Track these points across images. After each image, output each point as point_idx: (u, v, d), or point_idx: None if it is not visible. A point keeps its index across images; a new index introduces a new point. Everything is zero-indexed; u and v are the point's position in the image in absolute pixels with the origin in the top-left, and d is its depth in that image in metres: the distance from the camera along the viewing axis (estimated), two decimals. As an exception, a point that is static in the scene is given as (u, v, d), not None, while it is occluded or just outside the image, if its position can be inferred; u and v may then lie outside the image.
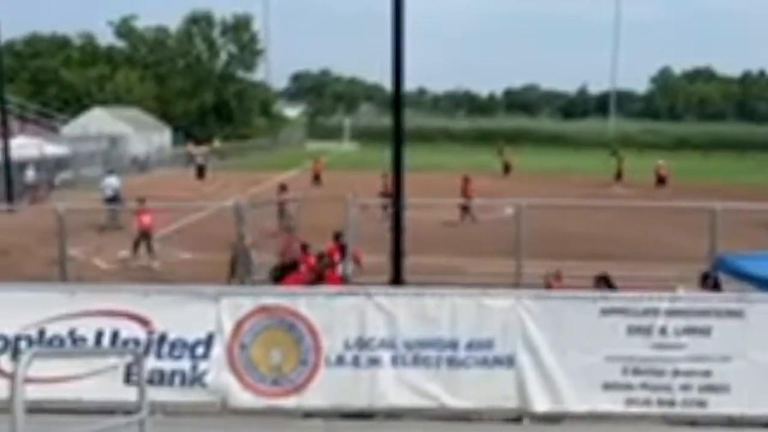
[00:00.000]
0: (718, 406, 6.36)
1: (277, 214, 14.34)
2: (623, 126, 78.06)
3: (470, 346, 6.40)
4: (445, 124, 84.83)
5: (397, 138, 8.51)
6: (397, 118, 8.42)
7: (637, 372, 6.39)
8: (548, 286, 8.02)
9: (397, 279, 8.52)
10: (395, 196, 8.78)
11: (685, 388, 6.38)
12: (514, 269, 9.36)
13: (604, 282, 8.19)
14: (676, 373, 6.37)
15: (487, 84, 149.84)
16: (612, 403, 6.41)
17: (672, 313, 6.39)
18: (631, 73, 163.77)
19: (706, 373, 6.36)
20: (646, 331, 6.38)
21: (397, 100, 8.39)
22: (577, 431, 6.38)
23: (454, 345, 6.40)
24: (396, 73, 8.11)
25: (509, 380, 6.44)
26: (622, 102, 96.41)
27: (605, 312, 6.39)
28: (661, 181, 31.16)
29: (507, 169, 36.78)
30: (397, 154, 8.57)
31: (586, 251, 13.94)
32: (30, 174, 26.96)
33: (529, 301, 6.44)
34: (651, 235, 15.99)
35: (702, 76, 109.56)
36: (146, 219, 14.14)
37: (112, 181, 21.36)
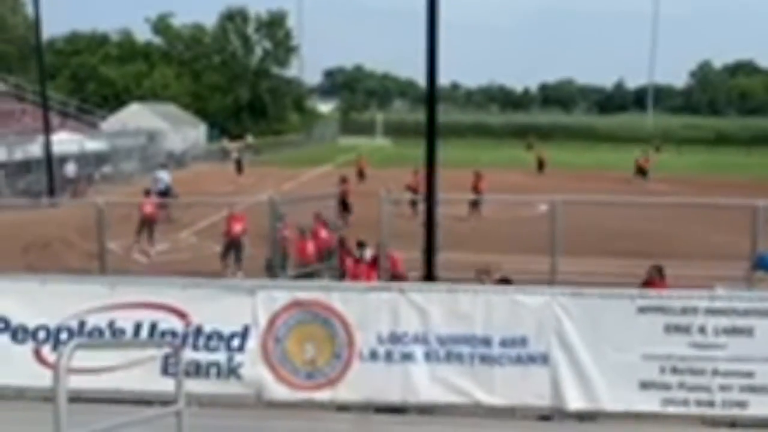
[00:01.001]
0: (760, 407, 6.21)
1: (337, 207, 14.83)
2: (662, 121, 76.61)
3: (504, 343, 6.36)
4: (479, 119, 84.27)
5: (431, 133, 8.49)
6: (431, 114, 8.40)
7: (675, 371, 6.28)
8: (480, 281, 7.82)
9: (429, 275, 8.52)
10: (428, 191, 8.76)
11: (725, 388, 6.24)
12: (549, 266, 9.29)
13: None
14: (716, 373, 6.24)
15: (522, 78, 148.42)
16: (648, 403, 6.31)
17: (712, 312, 6.26)
18: (669, 67, 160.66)
19: (748, 374, 6.21)
20: (684, 329, 6.26)
21: (431, 95, 8.36)
22: (612, 430, 6.29)
23: (487, 342, 6.37)
24: (430, 68, 8.09)
25: (543, 378, 6.38)
26: (661, 97, 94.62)
27: (642, 310, 6.29)
28: (641, 171, 31.98)
29: (541, 165, 36.29)
30: (430, 149, 8.54)
31: (623, 248, 13.75)
32: (70, 168, 27.64)
33: (564, 298, 6.37)
34: (690, 233, 15.68)
35: (743, 69, 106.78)
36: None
37: (164, 176, 21.87)
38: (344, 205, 17.30)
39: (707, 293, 6.46)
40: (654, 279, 8.00)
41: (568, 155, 44.26)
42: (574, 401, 6.36)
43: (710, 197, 21.26)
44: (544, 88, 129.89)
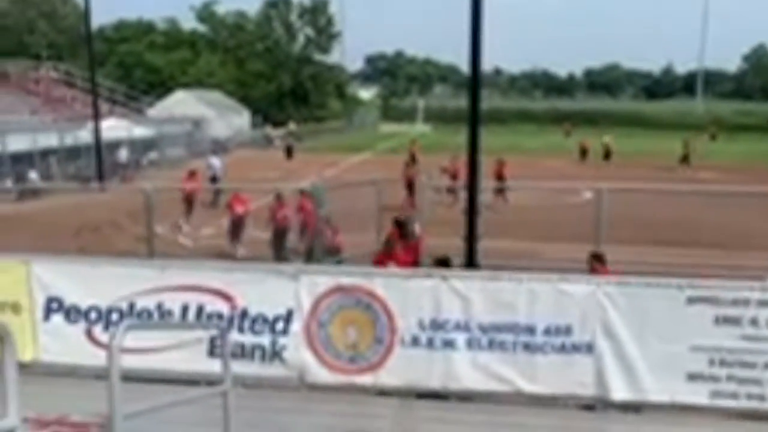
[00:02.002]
0: (814, 402, 6.03)
1: (406, 190, 15.12)
2: (713, 107, 74.31)
3: (548, 331, 6.31)
4: (522, 105, 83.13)
5: (474, 120, 8.42)
6: (474, 100, 8.33)
7: (724, 364, 6.13)
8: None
9: (471, 262, 8.49)
10: (470, 178, 8.71)
11: (777, 382, 6.07)
12: (594, 255, 9.14)
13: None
14: (768, 366, 6.07)
15: (567, 64, 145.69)
16: (696, 395, 6.18)
17: (764, 303, 6.08)
18: (721, 51, 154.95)
19: (803, 368, 6.03)
20: (735, 321, 6.10)
21: (474, 81, 8.28)
22: (658, 422, 6.19)
23: (530, 330, 6.32)
24: (473, 52, 8.01)
25: (587, 367, 6.30)
26: (711, 82, 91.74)
27: (691, 300, 6.14)
28: (684, 159, 31.68)
29: (584, 152, 35.42)
30: (473, 136, 8.48)
31: (670, 238, 13.46)
32: (123, 153, 28.43)
33: (610, 287, 6.27)
34: (740, 222, 15.23)
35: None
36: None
37: (215, 162, 22.43)
38: (410, 189, 17.23)
39: (759, 284, 6.28)
40: (596, 267, 7.84)
41: (616, 142, 43.33)
42: (619, 391, 6.28)
43: (762, 186, 20.61)
44: (589, 73, 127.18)
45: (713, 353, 6.14)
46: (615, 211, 9.28)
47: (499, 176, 20.36)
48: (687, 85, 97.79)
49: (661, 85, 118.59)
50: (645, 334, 6.21)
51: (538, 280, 6.40)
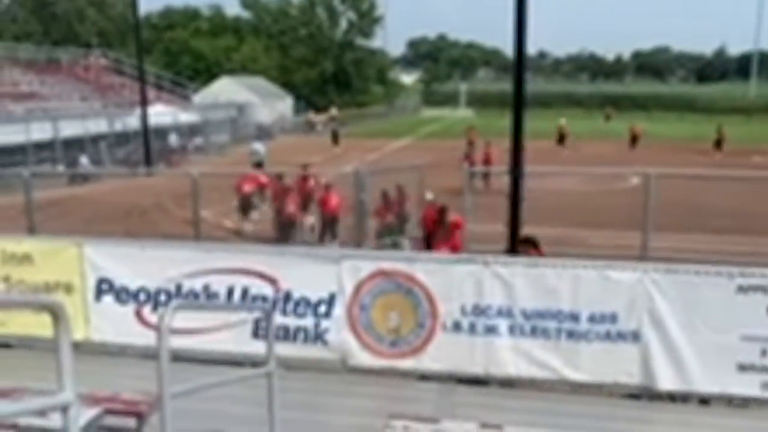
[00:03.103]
0: None
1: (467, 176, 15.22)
2: (767, 90, 71.54)
3: (592, 319, 6.21)
4: (567, 89, 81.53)
5: (518, 103, 8.28)
6: (518, 83, 8.18)
7: (777, 354, 5.95)
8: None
9: (513, 248, 8.40)
10: (514, 163, 8.59)
11: (833, 374, 5.86)
12: (639, 242, 8.96)
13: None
14: (823, 358, 5.86)
15: (614, 46, 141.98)
16: (747, 386, 6.02)
17: (821, 293, 5.86)
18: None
19: None
20: (789, 311, 5.90)
21: (518, 64, 8.13)
22: (706, 413, 6.05)
23: (575, 317, 6.24)
24: (518, 36, 7.85)
25: (633, 356, 6.20)
26: (767, 63, 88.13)
27: (743, 289, 5.96)
28: (634, 140, 31.67)
29: (634, 139, 34.17)
30: (517, 120, 8.34)
31: (719, 225, 13.06)
32: (173, 138, 29.04)
33: (657, 275, 6.13)
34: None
35: None
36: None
37: (260, 148, 22.76)
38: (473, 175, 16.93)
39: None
40: (530, 251, 7.64)
41: (665, 127, 42.23)
42: (666, 381, 6.16)
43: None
44: (637, 56, 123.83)
45: (766, 343, 5.96)
46: (663, 197, 9.05)
47: (486, 161, 20.23)
48: (741, 67, 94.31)
49: (713, 68, 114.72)
50: (694, 323, 6.07)
51: (583, 267, 6.29)
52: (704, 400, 6.17)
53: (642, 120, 39.86)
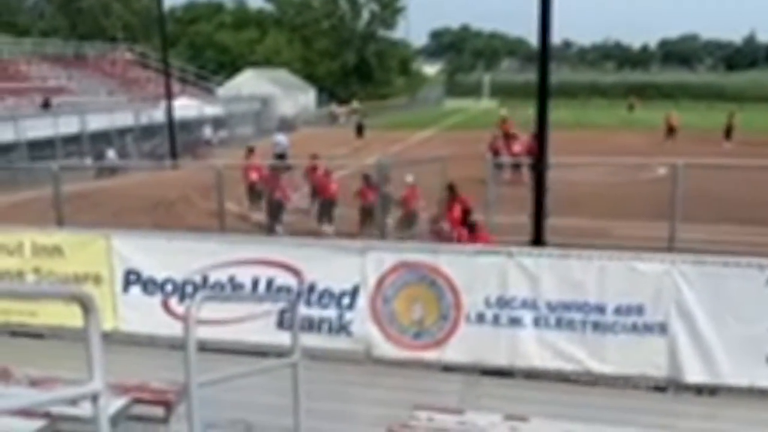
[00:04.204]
0: None
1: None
2: (798, 77, 69.90)
3: (619, 311, 6.15)
4: (593, 79, 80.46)
5: (542, 94, 8.22)
6: (542, 73, 8.12)
7: (808, 347, 5.84)
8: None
9: (538, 240, 8.34)
10: (539, 154, 8.53)
11: None
12: (666, 233, 8.84)
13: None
14: None
15: (640, 35, 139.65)
16: (776, 379, 5.92)
17: None
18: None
19: None
20: (820, 303, 5.79)
21: (543, 53, 8.07)
22: (735, 406, 5.96)
23: (601, 309, 6.18)
24: (542, 24, 7.79)
25: (660, 348, 6.13)
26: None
27: (773, 281, 5.86)
28: (671, 130, 30.49)
29: (671, 129, 31.60)
30: (541, 110, 8.29)
31: (747, 216, 12.81)
32: (207, 131, 29.39)
33: (685, 266, 6.04)
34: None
35: None
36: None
37: (282, 139, 22.85)
38: (516, 166, 16.78)
39: None
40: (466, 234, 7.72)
41: (693, 116, 41.48)
42: (693, 374, 6.08)
43: None
44: (664, 44, 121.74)
45: (797, 336, 5.85)
46: (688, 187, 8.91)
47: (529, 151, 19.71)
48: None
49: (743, 55, 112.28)
50: (722, 315, 5.98)
51: (609, 258, 6.23)
52: (732, 393, 6.08)
53: (669, 110, 39.10)
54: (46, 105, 27.33)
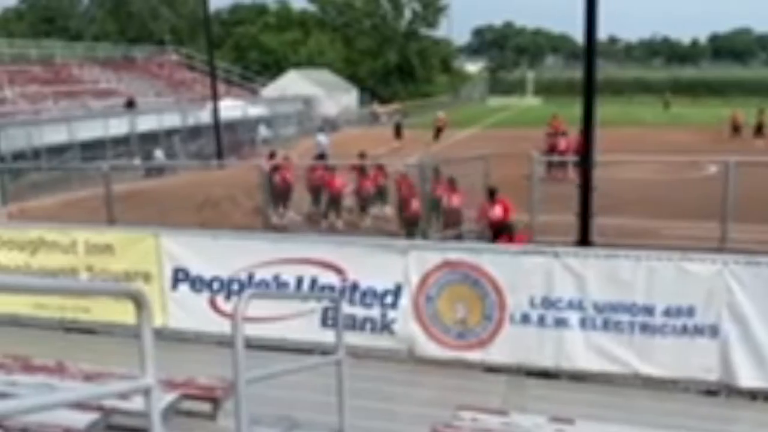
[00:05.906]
0: None
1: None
2: None
3: (668, 312, 6.01)
4: (640, 75, 78.59)
5: (588, 90, 8.07)
6: (589, 69, 7.98)
7: None
8: None
9: (584, 240, 8.20)
10: (585, 153, 8.38)
11: None
12: (718, 233, 8.59)
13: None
14: None
15: (689, 29, 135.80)
16: (835, 385, 5.70)
17: None
18: None
19: None
20: None
21: (589, 49, 7.93)
22: (791, 412, 5.77)
23: (649, 311, 6.05)
24: (588, 20, 7.65)
25: (711, 351, 5.96)
26: None
27: (831, 282, 5.64)
28: (736, 129, 28.95)
29: (736, 128, 30.07)
30: (587, 107, 8.14)
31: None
32: (262, 130, 29.94)
33: (738, 267, 5.86)
34: None
35: None
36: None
37: (323, 139, 23.02)
38: (562, 163, 16.56)
39: None
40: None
41: (746, 113, 40.09)
42: (747, 378, 5.90)
43: None
44: (715, 39, 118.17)
45: None
46: (742, 187, 8.64)
47: (576, 150, 19.23)
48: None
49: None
50: (778, 318, 5.78)
51: (658, 259, 6.09)
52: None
53: (718, 106, 37.90)
54: (130, 104, 28.28)
